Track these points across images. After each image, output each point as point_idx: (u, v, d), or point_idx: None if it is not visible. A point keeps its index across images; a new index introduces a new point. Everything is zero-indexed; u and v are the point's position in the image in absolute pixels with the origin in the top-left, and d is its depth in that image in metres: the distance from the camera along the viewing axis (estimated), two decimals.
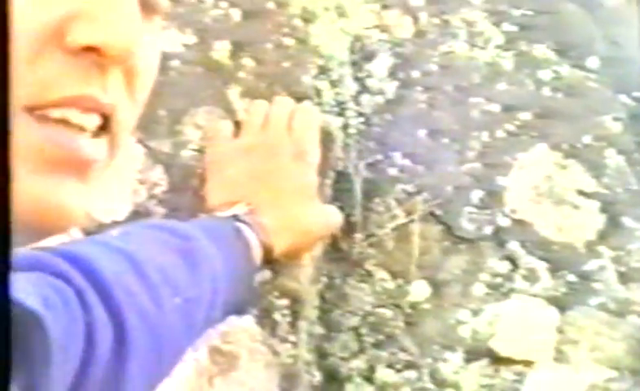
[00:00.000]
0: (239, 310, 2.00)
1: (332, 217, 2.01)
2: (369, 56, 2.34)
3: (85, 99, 0.90)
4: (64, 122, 0.90)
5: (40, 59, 0.89)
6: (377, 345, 2.21)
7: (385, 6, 2.37)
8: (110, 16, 0.90)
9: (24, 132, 0.89)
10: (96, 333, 1.36)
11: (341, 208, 2.21)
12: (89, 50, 0.89)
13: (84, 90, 0.90)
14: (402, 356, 2.23)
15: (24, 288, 1.11)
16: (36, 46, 0.88)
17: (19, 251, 0.88)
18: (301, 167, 1.98)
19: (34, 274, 1.30)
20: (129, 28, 0.91)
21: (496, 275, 2.15)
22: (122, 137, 0.97)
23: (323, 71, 2.23)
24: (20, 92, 0.88)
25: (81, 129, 0.91)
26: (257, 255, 1.84)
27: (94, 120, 0.91)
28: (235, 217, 1.85)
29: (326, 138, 2.22)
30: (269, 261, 1.89)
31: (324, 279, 2.18)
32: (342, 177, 2.22)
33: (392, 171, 2.25)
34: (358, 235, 2.20)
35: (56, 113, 0.89)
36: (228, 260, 1.72)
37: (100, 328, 1.34)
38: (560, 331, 2.20)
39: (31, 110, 0.88)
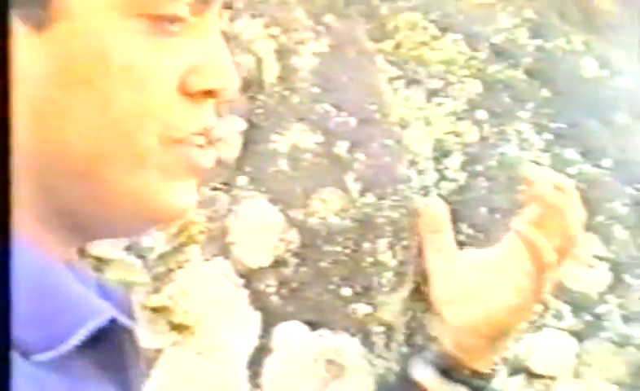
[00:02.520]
0: None
1: None
2: (446, 154, 2.59)
3: (204, 129, 1.09)
4: (188, 142, 1.08)
5: (170, 103, 1.05)
6: None
7: (459, 118, 2.60)
8: (217, 68, 1.07)
9: (161, 154, 1.06)
10: None
11: (419, 264, 2.46)
12: (205, 92, 1.08)
13: (203, 123, 1.09)
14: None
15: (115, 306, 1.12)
16: (169, 94, 1.05)
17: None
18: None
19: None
20: (232, 74, 1.09)
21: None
22: (217, 146, 1.30)
23: (413, 163, 2.46)
24: (159, 130, 1.05)
25: (199, 146, 1.09)
26: None
27: (204, 141, 1.10)
28: None
29: (412, 214, 2.43)
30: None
31: (409, 313, 2.50)
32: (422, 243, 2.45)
33: (461, 237, 2.52)
34: None
35: (184, 139, 1.06)
36: None
37: None
38: (578, 356, 2.63)
39: (167, 140, 1.06)
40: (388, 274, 2.49)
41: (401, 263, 2.51)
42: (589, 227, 2.59)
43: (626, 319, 2.66)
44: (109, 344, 1.06)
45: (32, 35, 1.01)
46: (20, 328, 0.89)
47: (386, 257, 2.46)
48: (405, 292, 2.52)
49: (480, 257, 1.72)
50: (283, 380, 2.22)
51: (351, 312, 2.40)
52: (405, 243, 2.53)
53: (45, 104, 1.03)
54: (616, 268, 2.68)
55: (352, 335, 2.40)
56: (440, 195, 2.49)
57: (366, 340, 2.42)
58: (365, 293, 2.35)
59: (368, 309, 2.41)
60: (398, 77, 2.59)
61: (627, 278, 2.68)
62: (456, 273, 1.70)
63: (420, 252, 2.53)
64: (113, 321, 1.05)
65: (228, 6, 1.10)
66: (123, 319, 1.07)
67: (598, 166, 2.73)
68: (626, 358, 2.64)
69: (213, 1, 1.09)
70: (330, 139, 2.39)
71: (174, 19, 1.05)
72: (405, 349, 2.51)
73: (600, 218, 2.66)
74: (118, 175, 1.06)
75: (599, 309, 2.64)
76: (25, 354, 0.97)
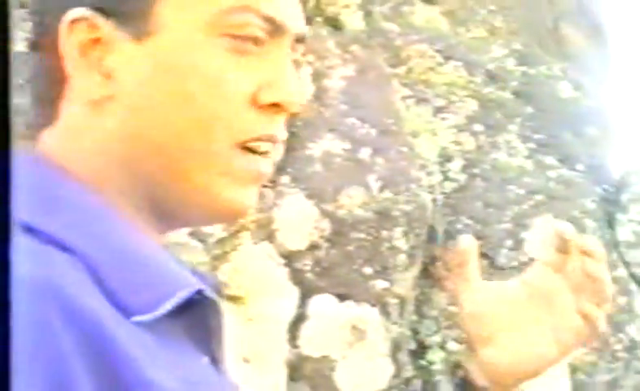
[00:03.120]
0: None
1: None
2: (449, 159, 2.80)
3: (270, 136, 1.07)
4: (254, 150, 1.06)
5: (244, 112, 1.05)
6: (448, 328, 2.79)
7: (460, 130, 2.82)
8: (286, 85, 1.07)
9: (232, 159, 1.06)
10: None
11: (427, 249, 2.75)
12: (273, 105, 1.06)
13: (269, 131, 1.07)
14: (458, 334, 2.72)
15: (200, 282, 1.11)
16: (243, 104, 1.05)
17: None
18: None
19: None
20: (299, 90, 1.09)
21: None
22: (276, 158, 1.14)
23: (422, 167, 2.66)
24: (232, 134, 1.05)
25: (263, 154, 1.07)
26: None
27: (269, 147, 1.08)
28: None
29: (422, 208, 2.63)
30: None
31: (418, 288, 2.76)
32: (430, 231, 2.74)
33: (460, 226, 2.78)
34: (439, 264, 2.75)
35: (252, 144, 1.06)
36: None
37: None
38: None
39: (238, 145, 1.05)
40: (402, 257, 2.68)
41: (413, 247, 2.70)
42: (567, 219, 2.80)
43: None
44: (197, 314, 1.08)
45: (132, 43, 1.06)
46: (123, 292, 0.98)
47: (400, 243, 2.64)
48: (415, 271, 2.76)
49: (509, 290, 1.38)
50: (316, 341, 2.33)
51: (371, 287, 2.58)
52: (416, 231, 2.72)
53: (140, 101, 1.06)
54: None
55: (372, 305, 2.64)
56: (443, 193, 2.70)
57: (384, 310, 2.68)
58: (383, 271, 2.52)
59: (385, 284, 2.65)
60: (410, 97, 2.80)
61: None
62: (487, 305, 1.39)
63: (429, 239, 2.73)
64: (200, 293, 1.06)
65: (299, 39, 1.12)
66: (209, 292, 1.08)
67: (573, 170, 2.97)
68: None
69: (287, 31, 1.11)
70: (355, 146, 2.62)
71: (252, 41, 1.08)
72: (414, 317, 2.75)
73: (575, 212, 2.90)
74: (193, 172, 1.09)
75: None
76: (127, 315, 1.00)
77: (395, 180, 2.59)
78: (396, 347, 2.78)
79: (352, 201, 2.56)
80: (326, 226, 2.55)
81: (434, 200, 2.79)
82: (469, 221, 2.82)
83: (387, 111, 2.68)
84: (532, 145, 2.92)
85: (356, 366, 2.63)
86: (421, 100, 2.72)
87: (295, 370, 2.39)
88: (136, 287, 1.01)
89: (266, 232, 2.48)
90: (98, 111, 1.06)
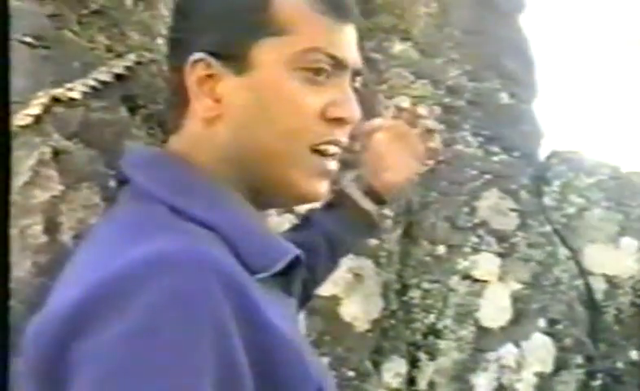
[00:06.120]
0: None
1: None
2: None
3: (336, 141, 1.17)
4: (324, 153, 1.15)
5: (315, 124, 1.14)
6: (423, 273, 2.99)
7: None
8: (347, 104, 1.15)
9: (308, 159, 1.15)
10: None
11: (407, 215, 2.92)
12: (337, 119, 1.14)
13: (335, 137, 1.16)
14: (430, 277, 2.92)
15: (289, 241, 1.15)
16: (315, 118, 1.14)
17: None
18: None
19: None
20: (356, 109, 1.17)
21: None
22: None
23: None
24: (307, 140, 1.14)
25: (331, 156, 1.16)
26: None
27: (336, 150, 1.17)
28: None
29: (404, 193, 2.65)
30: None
31: (401, 245, 2.97)
32: (408, 202, 2.95)
33: (430, 199, 2.97)
34: (415, 227, 2.93)
35: (322, 147, 1.15)
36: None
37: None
38: (500, 268, 2.95)
39: (311, 147, 1.14)
40: (389, 221, 2.91)
41: (397, 215, 2.93)
42: (507, 192, 3.09)
43: (529, 246, 3.12)
44: (291, 271, 1.15)
45: (235, 77, 1.13)
46: (248, 257, 1.07)
47: (387, 211, 2.85)
48: (399, 232, 2.99)
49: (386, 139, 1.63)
50: (326, 284, 2.16)
51: (367, 243, 2.75)
52: (399, 202, 2.93)
53: (242, 118, 1.14)
54: (522, 216, 3.15)
55: (368, 257, 2.85)
56: (418, 174, 2.42)
57: (376, 261, 2.90)
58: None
59: (377, 242, 2.87)
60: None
61: (529, 221, 3.15)
62: (383, 148, 1.64)
63: (407, 208, 2.91)
64: (297, 257, 1.13)
65: (356, 72, 1.17)
66: (302, 255, 1.15)
67: (511, 156, 3.19)
68: (529, 268, 3.08)
69: (347, 66, 1.17)
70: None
71: (321, 73, 1.14)
72: (398, 266, 2.94)
73: (513, 186, 3.13)
74: (281, 169, 1.16)
75: (513, 240, 3.12)
76: (251, 273, 1.07)
77: None
78: (385, 287, 2.91)
79: None
80: None
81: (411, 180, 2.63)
82: (436, 195, 3.04)
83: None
84: (481, 139, 3.11)
85: (356, 302, 2.80)
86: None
87: (311, 306, 2.35)
88: (257, 253, 1.09)
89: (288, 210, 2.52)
90: (210, 125, 1.17)
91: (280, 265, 1.11)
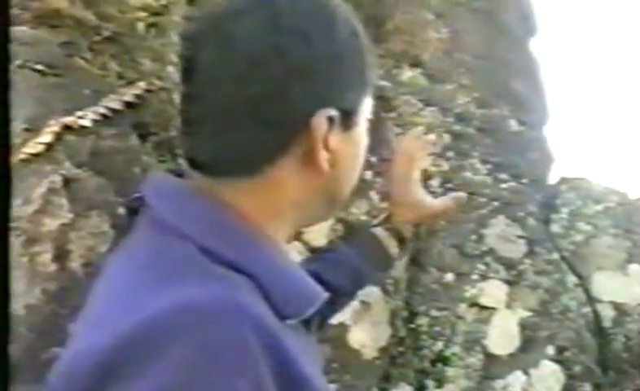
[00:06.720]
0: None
1: None
2: (430, 177, 2.83)
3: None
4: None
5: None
6: (430, 300, 2.93)
7: (438, 156, 2.84)
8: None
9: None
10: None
11: (414, 243, 2.85)
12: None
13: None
14: (438, 305, 2.87)
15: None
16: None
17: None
18: None
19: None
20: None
21: None
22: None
23: None
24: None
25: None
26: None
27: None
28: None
29: None
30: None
31: (408, 272, 2.92)
32: (416, 230, 2.80)
33: (437, 226, 2.90)
34: (422, 255, 2.88)
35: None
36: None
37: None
38: (508, 295, 2.91)
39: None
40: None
41: None
42: (514, 219, 3.04)
43: (537, 273, 3.08)
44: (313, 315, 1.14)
45: (343, 132, 1.19)
46: (279, 303, 1.07)
47: None
48: (406, 258, 2.94)
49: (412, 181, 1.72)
50: None
51: None
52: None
53: (344, 165, 1.21)
54: (530, 243, 3.11)
55: (375, 285, 2.81)
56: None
57: (384, 288, 2.86)
58: None
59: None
60: (400, 133, 2.85)
61: (537, 249, 3.12)
62: (412, 194, 1.72)
63: (415, 237, 2.81)
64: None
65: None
66: (325, 296, 1.16)
67: (520, 183, 3.15)
68: (537, 296, 3.05)
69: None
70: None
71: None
72: (406, 293, 2.91)
73: (521, 214, 3.10)
74: (344, 196, 1.25)
75: (520, 267, 3.07)
76: (282, 319, 1.07)
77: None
78: (393, 315, 2.88)
79: (359, 210, 2.72)
80: (340, 228, 2.69)
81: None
82: (444, 222, 2.99)
83: (384, 144, 2.76)
84: (490, 166, 3.08)
85: (364, 329, 2.77)
86: None
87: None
88: (288, 298, 1.09)
89: (296, 233, 2.48)
90: (313, 171, 1.17)
91: (311, 311, 1.12)
